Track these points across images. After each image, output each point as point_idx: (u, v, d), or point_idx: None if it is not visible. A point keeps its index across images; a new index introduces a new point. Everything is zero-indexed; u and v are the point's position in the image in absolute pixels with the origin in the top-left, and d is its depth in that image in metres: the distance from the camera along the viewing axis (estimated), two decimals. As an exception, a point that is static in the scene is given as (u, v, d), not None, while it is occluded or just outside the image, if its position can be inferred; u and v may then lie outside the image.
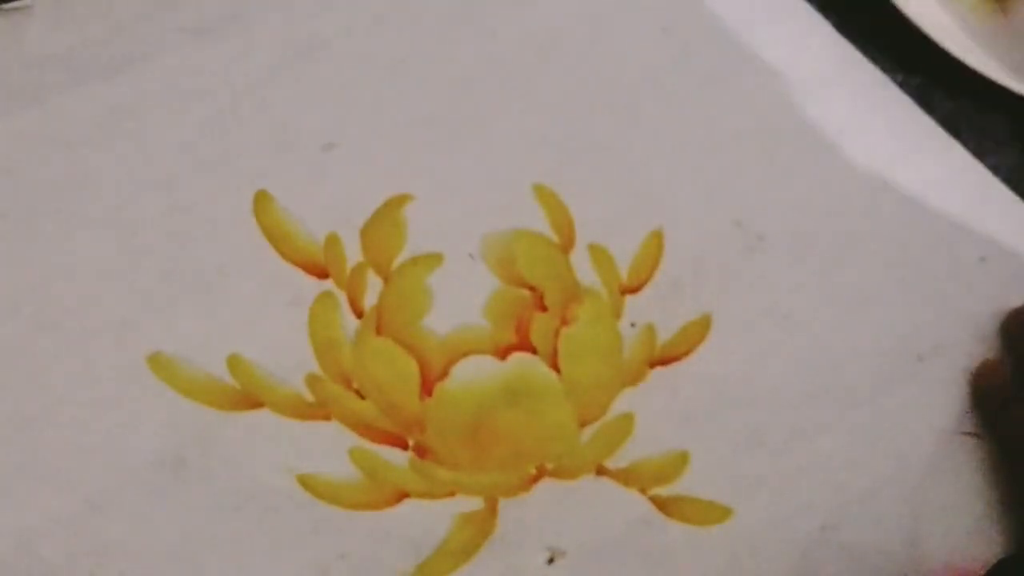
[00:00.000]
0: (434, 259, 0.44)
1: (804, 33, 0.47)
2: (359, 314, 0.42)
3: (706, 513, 0.40)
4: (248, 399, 0.40)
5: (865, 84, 0.47)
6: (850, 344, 0.44)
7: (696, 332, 0.44)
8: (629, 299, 0.44)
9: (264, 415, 0.40)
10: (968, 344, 0.44)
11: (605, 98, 0.50)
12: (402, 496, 0.39)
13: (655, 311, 0.44)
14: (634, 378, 0.43)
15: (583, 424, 0.41)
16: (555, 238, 0.45)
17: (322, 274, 0.43)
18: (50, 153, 0.44)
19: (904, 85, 0.47)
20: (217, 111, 0.46)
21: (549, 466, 0.40)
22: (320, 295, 0.42)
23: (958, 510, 0.41)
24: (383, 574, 0.37)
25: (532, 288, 0.44)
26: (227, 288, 0.42)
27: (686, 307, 0.44)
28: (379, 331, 0.42)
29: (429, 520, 0.39)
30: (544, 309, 0.44)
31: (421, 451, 0.40)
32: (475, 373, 0.42)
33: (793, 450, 0.41)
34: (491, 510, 0.39)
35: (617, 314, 0.44)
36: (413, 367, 0.41)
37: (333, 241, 0.44)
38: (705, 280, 0.45)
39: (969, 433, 0.42)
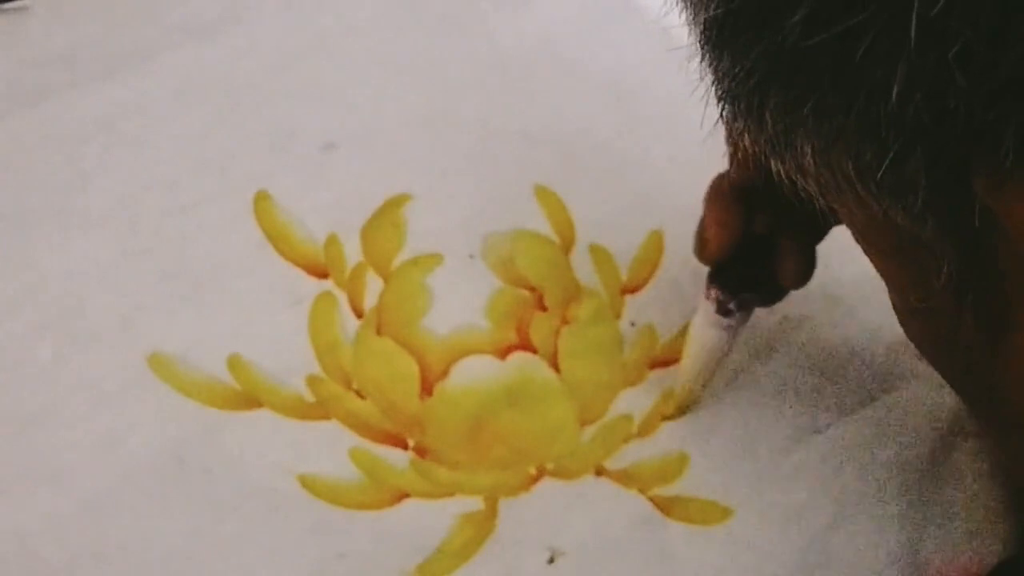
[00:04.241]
0: (434, 259, 0.44)
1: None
2: (359, 314, 0.42)
3: (706, 513, 0.40)
4: (248, 399, 0.40)
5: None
6: (850, 344, 0.44)
7: (696, 332, 0.44)
8: (629, 299, 0.44)
9: (264, 415, 0.40)
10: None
11: (605, 98, 0.50)
12: (402, 496, 0.39)
13: (655, 311, 0.44)
14: (634, 378, 0.43)
15: (583, 424, 0.41)
16: (555, 238, 0.45)
17: (322, 274, 0.43)
18: (50, 153, 0.44)
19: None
20: (217, 111, 0.46)
21: (549, 466, 0.40)
22: (320, 295, 0.42)
23: (958, 510, 0.41)
24: (383, 574, 0.37)
25: (532, 288, 0.44)
26: (227, 288, 0.42)
27: (686, 307, 0.44)
28: (379, 331, 0.42)
29: (429, 520, 0.38)
30: (544, 309, 0.44)
31: (421, 451, 0.40)
32: (475, 373, 0.42)
33: (793, 450, 0.41)
34: (491, 510, 0.39)
35: (617, 314, 0.44)
36: (413, 367, 0.41)
37: (333, 241, 0.44)
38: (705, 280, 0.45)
39: (969, 433, 0.42)
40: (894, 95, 0.20)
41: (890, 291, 0.30)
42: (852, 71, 0.21)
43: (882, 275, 0.29)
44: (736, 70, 0.23)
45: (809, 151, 0.23)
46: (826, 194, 0.26)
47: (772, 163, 0.26)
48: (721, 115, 0.26)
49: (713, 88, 0.25)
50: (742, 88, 0.24)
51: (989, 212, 0.22)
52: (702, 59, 0.25)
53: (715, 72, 0.25)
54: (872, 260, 0.29)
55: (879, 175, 0.22)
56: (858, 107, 0.21)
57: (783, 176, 0.26)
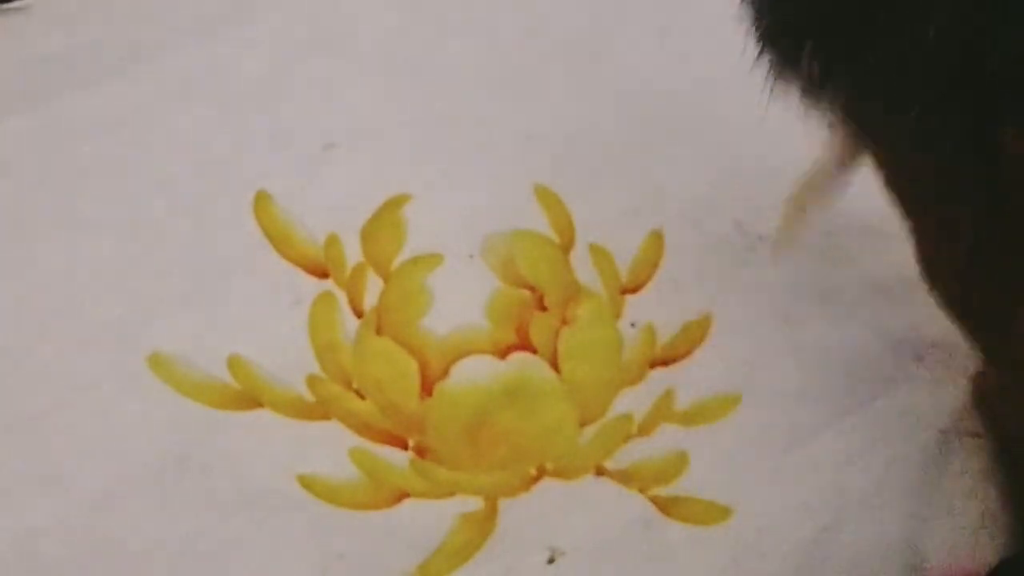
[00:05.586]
0: (434, 259, 0.44)
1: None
2: (359, 314, 0.42)
3: (706, 513, 0.40)
4: (248, 399, 0.40)
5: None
6: (850, 344, 0.44)
7: (696, 332, 0.44)
8: (629, 299, 0.44)
9: (264, 415, 0.40)
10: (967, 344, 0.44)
11: (605, 98, 0.50)
12: (402, 496, 0.39)
13: (655, 311, 0.44)
14: (634, 378, 0.43)
15: (583, 424, 0.41)
16: (555, 238, 0.45)
17: (322, 274, 0.43)
18: (50, 153, 0.44)
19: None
20: (217, 111, 0.46)
21: (549, 466, 0.40)
22: (320, 295, 0.42)
23: (958, 510, 0.41)
24: (383, 574, 0.37)
25: (532, 288, 0.44)
26: (227, 288, 0.42)
27: (686, 307, 0.44)
28: (379, 331, 0.42)
29: (429, 520, 0.39)
30: (544, 309, 0.44)
31: (421, 451, 0.40)
32: (475, 373, 0.42)
33: (793, 450, 0.41)
34: (491, 510, 0.39)
35: (617, 314, 0.44)
36: (413, 367, 0.41)
37: (333, 241, 0.44)
38: (705, 280, 0.45)
39: (969, 433, 0.42)
40: (931, 40, 0.21)
41: (914, 246, 0.30)
42: (890, 16, 0.21)
43: (907, 228, 0.30)
44: (776, 14, 0.24)
45: (844, 95, 0.24)
46: (861, 138, 0.26)
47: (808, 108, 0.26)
48: (759, 56, 0.26)
49: (753, 30, 0.26)
50: (783, 31, 0.24)
51: (1015, 163, 0.22)
52: (743, 1, 0.25)
53: (755, 15, 0.25)
54: (899, 211, 0.29)
55: (912, 121, 0.23)
56: (894, 52, 0.22)
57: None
